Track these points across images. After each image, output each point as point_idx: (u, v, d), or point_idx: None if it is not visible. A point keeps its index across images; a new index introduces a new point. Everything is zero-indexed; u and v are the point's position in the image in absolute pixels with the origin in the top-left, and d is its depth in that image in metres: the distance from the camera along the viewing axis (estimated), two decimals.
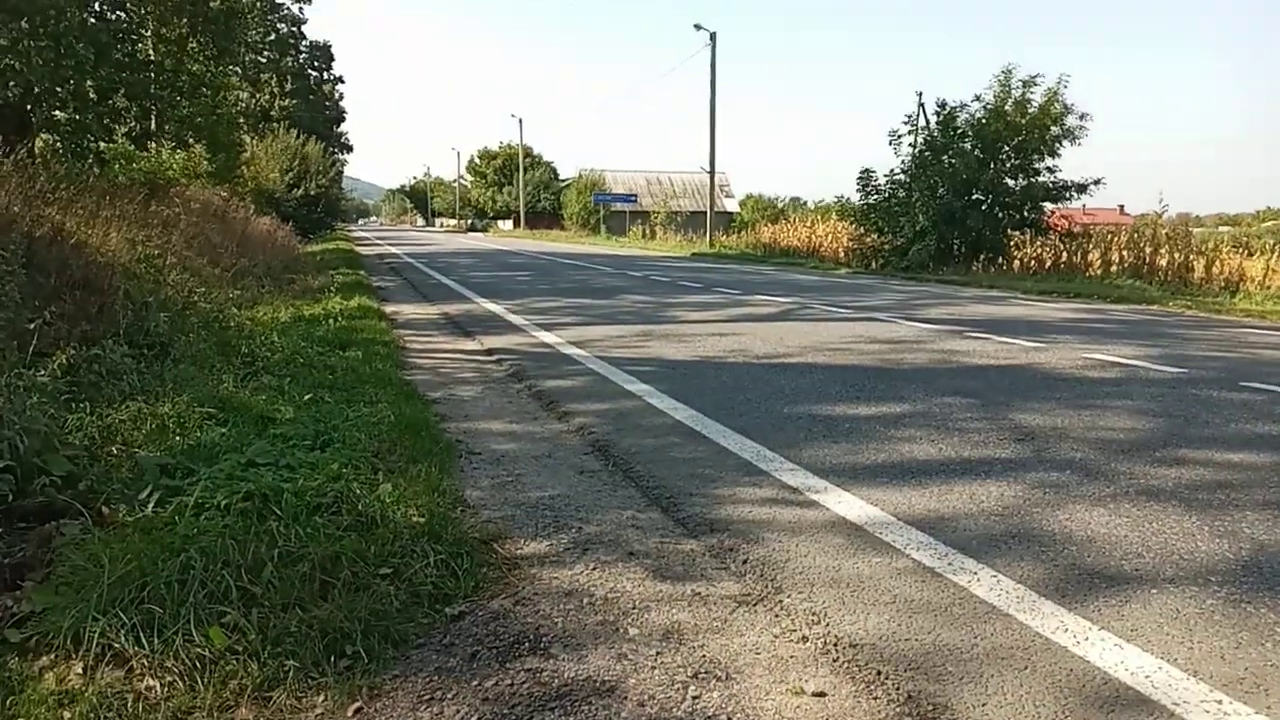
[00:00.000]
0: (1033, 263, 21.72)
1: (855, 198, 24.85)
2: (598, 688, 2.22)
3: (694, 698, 2.16)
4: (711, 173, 37.36)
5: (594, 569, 2.91)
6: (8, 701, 2.08)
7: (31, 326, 4.35)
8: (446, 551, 2.87)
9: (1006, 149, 21.23)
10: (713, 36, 35.07)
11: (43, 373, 4.11)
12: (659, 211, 50.24)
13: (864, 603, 2.64)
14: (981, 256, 21.36)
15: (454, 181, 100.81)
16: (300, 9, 45.79)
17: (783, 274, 20.43)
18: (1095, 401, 5.53)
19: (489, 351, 7.43)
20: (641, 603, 2.67)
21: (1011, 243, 21.90)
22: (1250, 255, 19.78)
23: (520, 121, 72.21)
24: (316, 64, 51.46)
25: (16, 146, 8.61)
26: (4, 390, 3.66)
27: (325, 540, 2.76)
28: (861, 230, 24.54)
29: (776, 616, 2.58)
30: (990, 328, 9.21)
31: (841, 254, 27.13)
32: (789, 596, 2.69)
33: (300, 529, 2.78)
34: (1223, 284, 17.76)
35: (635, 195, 60.49)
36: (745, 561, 2.94)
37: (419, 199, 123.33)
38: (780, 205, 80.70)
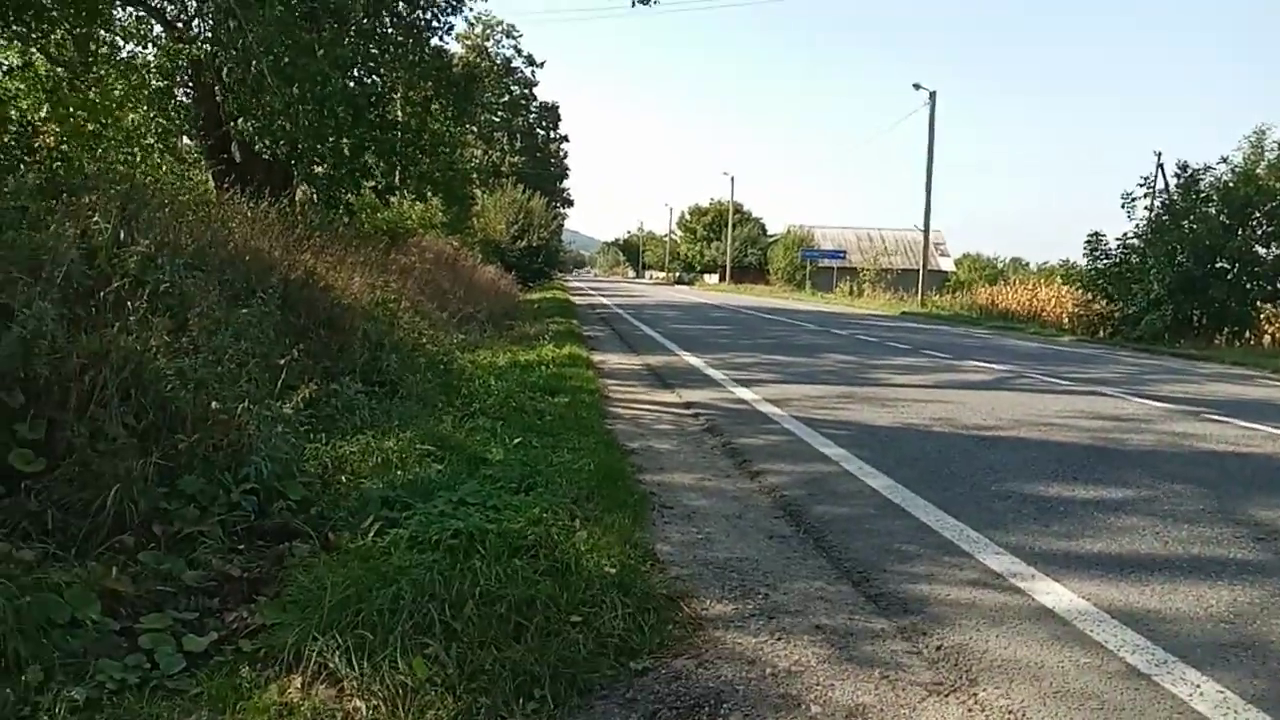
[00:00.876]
0: None
1: (1082, 261, 23.49)
2: None
3: None
4: (926, 230, 36.43)
5: (779, 638, 2.89)
6: (237, 705, 2.32)
7: (282, 362, 4.85)
8: (635, 605, 2.94)
9: (1258, 215, 19.44)
10: (932, 95, 34.45)
11: (288, 405, 4.57)
12: (868, 268, 49.35)
13: (1067, 705, 2.47)
14: (1225, 330, 19.56)
15: (665, 236, 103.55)
16: (533, 72, 49.13)
17: (999, 338, 19.49)
18: None
19: (686, 404, 7.55)
20: (826, 679, 2.63)
21: (1262, 315, 19.93)
22: None
23: (731, 179, 73.54)
24: (545, 123, 54.64)
25: (280, 197, 9.68)
26: (255, 419, 4.10)
27: (523, 583, 2.91)
28: (1089, 296, 23.09)
29: (969, 710, 2.46)
30: (1231, 410, 8.38)
31: (1065, 320, 25.57)
32: (984, 690, 2.56)
33: (501, 569, 2.94)
34: None
35: (844, 251, 59.67)
36: (939, 647, 2.83)
37: (631, 252, 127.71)
38: (1000, 266, 77.21)
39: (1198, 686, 2.60)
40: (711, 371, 10.07)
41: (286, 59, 9.67)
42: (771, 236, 77.79)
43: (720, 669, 2.69)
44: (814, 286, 53.41)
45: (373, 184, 13.45)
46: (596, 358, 11.05)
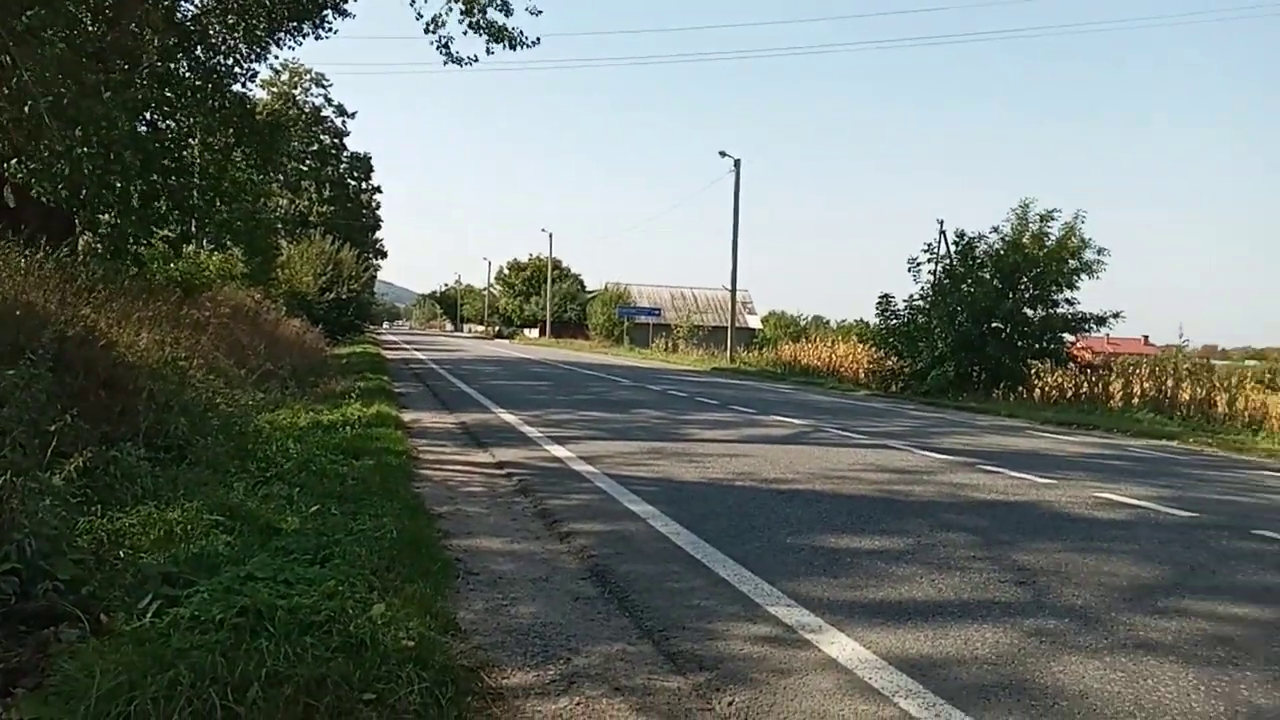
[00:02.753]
0: (1053, 392, 21.70)
1: (875, 320, 25.21)
2: None
3: None
4: (733, 291, 38.00)
5: (578, 704, 2.91)
6: None
7: (53, 428, 4.47)
8: (432, 679, 2.87)
9: (1025, 280, 21.54)
10: (737, 164, 36.22)
11: (59, 475, 4.21)
12: (681, 325, 50.82)
13: None
14: (1001, 384, 21.41)
15: (484, 290, 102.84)
16: (343, 122, 48.03)
17: (800, 393, 20.50)
18: (1101, 544, 5.48)
19: (499, 464, 7.50)
20: None
21: (1032, 371, 21.97)
22: (1275, 391, 19.67)
23: (550, 236, 74.26)
24: (356, 174, 53.37)
25: (60, 246, 8.95)
26: (19, 492, 3.75)
27: (313, 661, 2.78)
28: (882, 353, 24.72)
29: None
30: (1003, 461, 9.18)
31: (861, 375, 27.23)
32: None
33: (290, 648, 2.81)
34: (1246, 420, 17.63)
35: (659, 309, 61.33)
36: (730, 703, 2.93)
37: (449, 305, 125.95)
38: (803, 323, 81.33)
39: None
40: (527, 429, 10.05)
41: (67, 99, 9.02)
42: (590, 292, 78.83)
43: None
44: (631, 342, 54.44)
45: (165, 233, 12.68)
46: (407, 416, 10.79)
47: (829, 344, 33.25)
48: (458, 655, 3.17)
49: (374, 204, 57.25)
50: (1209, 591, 4.55)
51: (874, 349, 25.44)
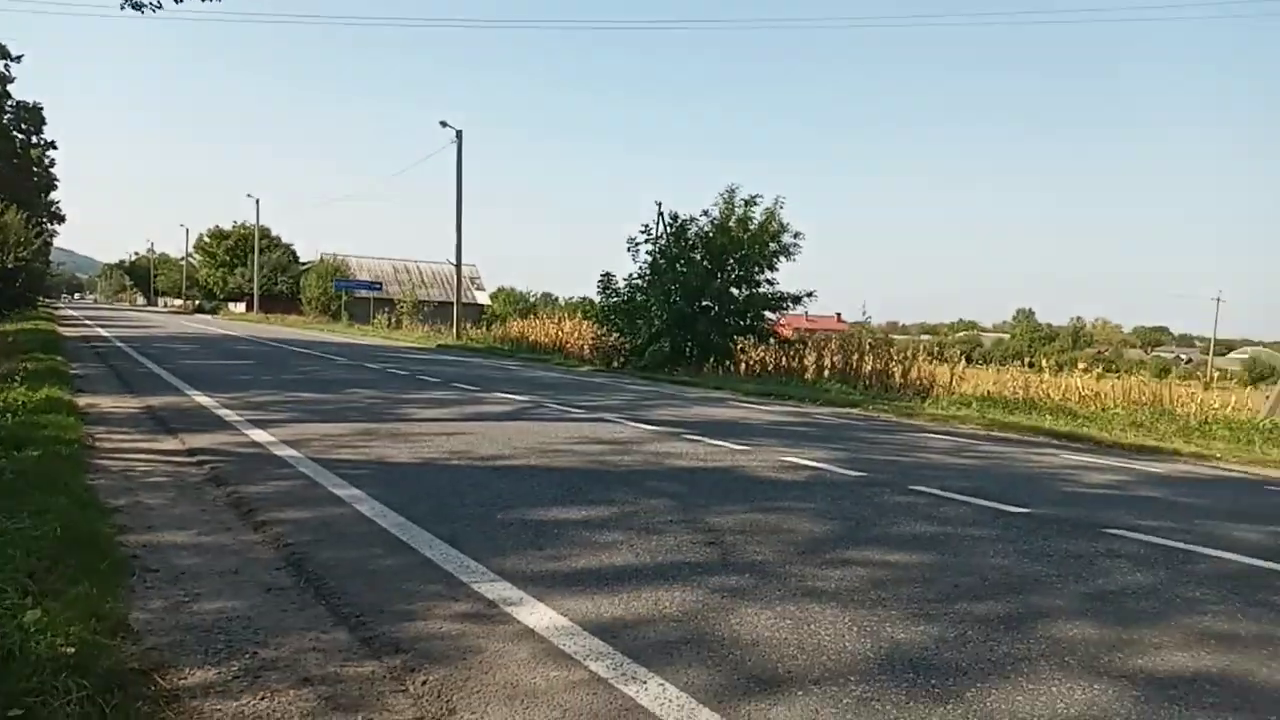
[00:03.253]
0: (756, 366, 23.46)
1: (598, 298, 25.88)
2: None
3: None
4: (458, 265, 37.48)
5: (262, 698, 2.79)
6: None
7: None
8: (94, 686, 2.64)
9: (731, 261, 22.99)
10: (459, 134, 35.72)
11: None
12: (405, 300, 49.45)
13: (534, 717, 2.71)
14: (711, 359, 22.81)
15: (181, 260, 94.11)
16: (7, 67, 41.98)
17: (526, 370, 20.68)
18: (783, 504, 6.03)
19: (190, 452, 6.94)
20: None
21: (738, 347, 23.57)
22: (943, 362, 22.44)
23: (257, 202, 69.05)
24: (24, 126, 46.87)
25: None
26: None
27: None
28: (604, 330, 25.45)
29: None
30: (705, 430, 9.80)
31: (586, 351, 27.90)
32: (461, 717, 2.70)
33: None
34: (917, 389, 20.00)
35: (380, 283, 59.24)
36: (425, 682, 2.93)
37: (140, 276, 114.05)
38: (532, 300, 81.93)
39: (645, 684, 2.99)
40: (225, 413, 9.37)
41: None
42: (304, 264, 74.56)
43: None
44: (351, 318, 52.19)
45: None
46: (84, 401, 9.69)
47: (555, 321, 33.71)
48: (128, 658, 2.93)
49: (47, 161, 50.59)
50: (869, 542, 5.14)
51: (598, 326, 26.13)
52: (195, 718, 2.66)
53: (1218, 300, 77.45)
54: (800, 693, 2.99)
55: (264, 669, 3.00)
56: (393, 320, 46.55)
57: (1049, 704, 3.01)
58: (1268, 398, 16.28)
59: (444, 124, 35.76)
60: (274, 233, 79.13)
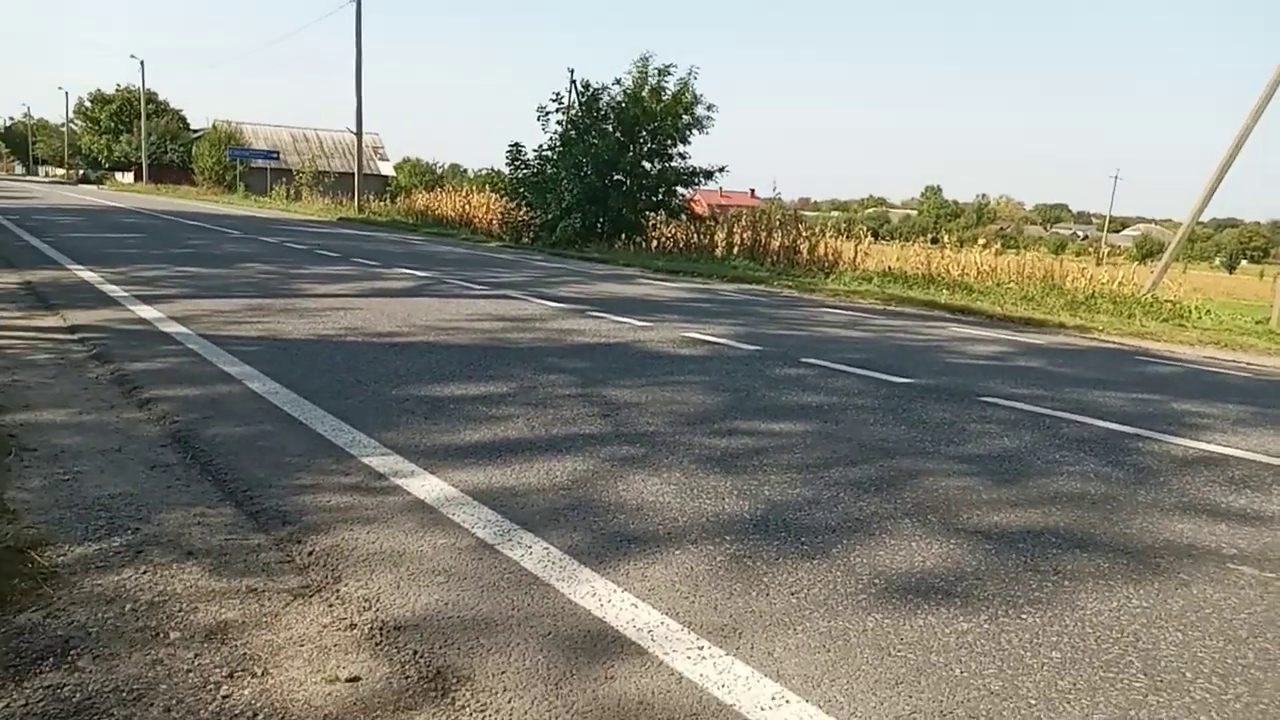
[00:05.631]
0: (668, 242, 23.44)
1: (506, 170, 25.28)
2: (124, 697, 2.17)
3: (224, 697, 2.18)
4: (359, 132, 36.03)
5: (145, 573, 2.80)
6: None
7: None
8: None
9: (644, 133, 22.63)
10: None
11: None
12: (305, 171, 47.46)
13: (418, 584, 2.80)
14: (623, 235, 22.67)
15: (61, 126, 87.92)
16: None
17: (431, 245, 20.27)
18: (679, 378, 6.17)
19: (72, 329, 6.68)
20: (190, 604, 2.62)
21: (650, 224, 23.45)
22: (850, 239, 22.80)
23: (142, 63, 64.27)
24: None
25: None
26: None
27: None
28: (514, 204, 24.98)
29: (330, 606, 2.66)
30: (610, 306, 9.86)
31: (495, 226, 27.42)
32: (347, 585, 2.77)
33: None
34: (823, 265, 20.35)
35: (278, 152, 56.57)
36: (311, 553, 2.98)
37: (17, 143, 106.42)
38: (439, 171, 79.53)
39: (530, 548, 3.10)
40: (110, 288, 8.99)
41: None
42: (196, 132, 70.57)
43: (74, 615, 2.53)
44: (247, 189, 49.98)
45: None
46: None
47: (464, 194, 32.90)
48: (3, 537, 2.90)
49: None
50: (756, 412, 5.33)
51: (507, 200, 25.63)
52: (75, 592, 2.66)
53: (1115, 179, 79.98)
54: (679, 552, 3.15)
55: (146, 544, 3.00)
56: (292, 192, 44.76)
57: (908, 558, 3.24)
58: (1152, 272, 17.10)
59: None
60: (161, 97, 74.38)
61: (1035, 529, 3.65)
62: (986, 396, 6.20)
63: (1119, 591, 3.09)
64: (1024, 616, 2.84)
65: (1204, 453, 5.15)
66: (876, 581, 3.02)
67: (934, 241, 24.76)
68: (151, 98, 69.49)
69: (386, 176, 63.55)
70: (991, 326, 11.44)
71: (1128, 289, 16.58)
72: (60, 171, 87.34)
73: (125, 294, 8.59)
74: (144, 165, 62.67)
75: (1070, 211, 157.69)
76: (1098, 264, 22.34)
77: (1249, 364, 9.88)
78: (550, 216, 23.05)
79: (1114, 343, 10.83)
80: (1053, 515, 3.84)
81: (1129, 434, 5.47)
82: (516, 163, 24.11)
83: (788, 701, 2.26)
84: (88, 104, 78.06)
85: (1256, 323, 13.96)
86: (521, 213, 24.70)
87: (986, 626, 2.75)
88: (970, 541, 3.44)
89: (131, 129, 70.27)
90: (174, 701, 2.16)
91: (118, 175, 72.26)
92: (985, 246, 21.60)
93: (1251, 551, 3.57)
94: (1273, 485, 4.56)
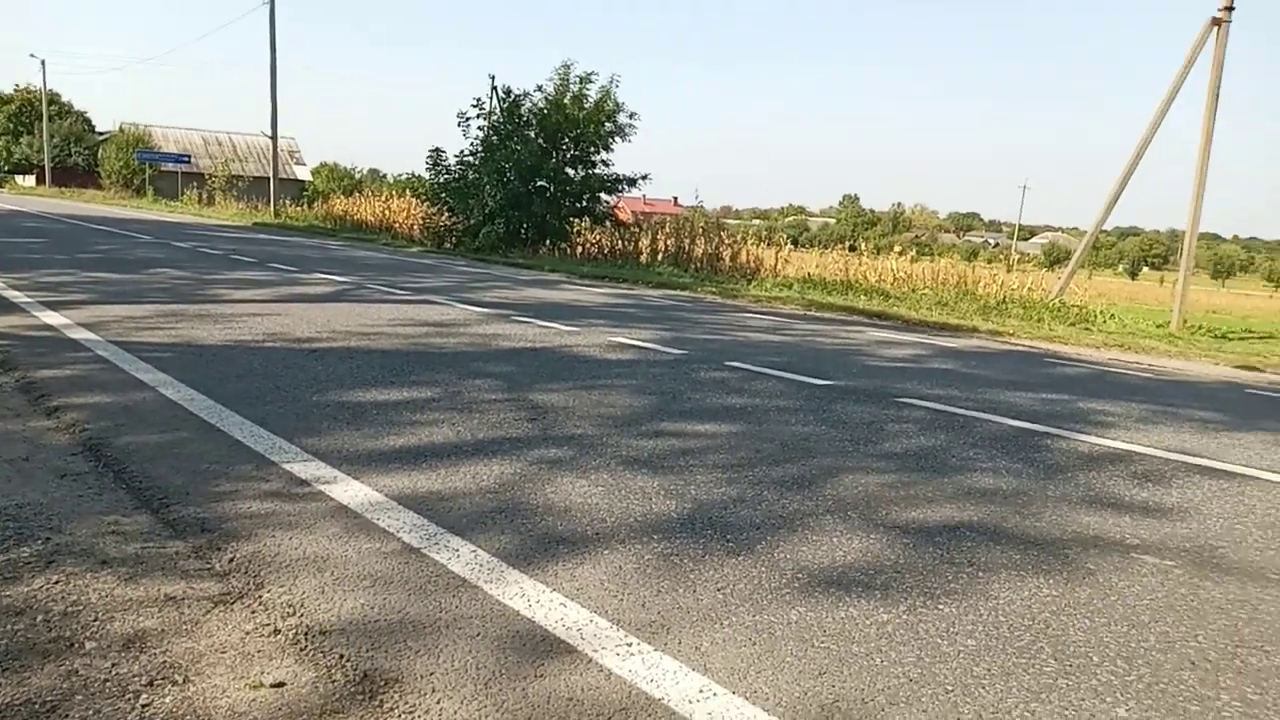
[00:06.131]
0: (593, 249, 23.50)
1: (427, 175, 25.00)
2: (36, 710, 2.10)
3: (144, 705, 2.13)
4: (275, 136, 35.24)
5: (56, 583, 2.71)
6: None
7: None
8: None
9: (567, 140, 22.64)
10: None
11: None
12: (218, 175, 46.14)
13: (344, 589, 2.77)
14: (547, 241, 22.63)
15: None
16: None
17: (350, 250, 19.93)
18: (606, 382, 6.21)
19: None
20: (106, 614, 2.55)
21: (575, 230, 23.46)
22: (771, 246, 23.15)
23: (43, 63, 61.53)
24: None
25: None
26: None
27: None
28: (435, 209, 24.72)
29: (253, 612, 2.61)
30: (536, 312, 9.85)
31: (416, 232, 27.10)
32: (269, 591, 2.73)
33: None
34: (745, 272, 20.64)
35: (189, 155, 54.80)
36: (232, 560, 2.92)
37: None
38: (357, 176, 78.17)
39: (457, 551, 3.09)
40: (12, 294, 8.62)
41: None
42: (102, 134, 68.08)
43: None
44: (157, 193, 48.40)
45: None
46: None
47: (384, 199, 32.44)
48: None
49: None
50: (682, 415, 5.40)
51: (428, 205, 25.34)
52: None
53: (1023, 189, 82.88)
54: (607, 552, 3.18)
55: (58, 553, 2.91)
56: (205, 196, 43.47)
57: (829, 553, 3.33)
58: (1059, 279, 17.78)
59: None
60: (64, 99, 71.56)
61: (951, 523, 3.78)
62: (903, 397, 6.38)
63: (1030, 581, 3.23)
64: (941, 607, 2.94)
65: (1109, 449, 5.39)
66: (800, 576, 3.09)
67: (852, 249, 25.33)
68: (54, 99, 66.85)
69: (303, 181, 62.15)
70: (908, 331, 11.77)
71: (1037, 294, 17.22)
72: None
73: (29, 299, 8.25)
74: (47, 168, 60.09)
75: (982, 220, 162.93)
76: (1008, 270, 23.14)
77: (1150, 365, 10.37)
78: (473, 222, 22.88)
79: (1025, 346, 11.24)
80: (967, 510, 3.99)
81: (1039, 432, 5.69)
82: (438, 168, 23.86)
83: (715, 694, 2.31)
84: None
85: (1157, 326, 14.68)
86: (444, 218, 24.45)
87: (905, 617, 2.84)
88: (889, 536, 3.55)
89: (32, 130, 67.46)
90: (91, 712, 2.10)
91: (17, 178, 69.20)
92: (901, 254, 22.18)
93: (1153, 541, 3.76)
94: (1173, 479, 4.81)
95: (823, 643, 2.63)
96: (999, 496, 4.25)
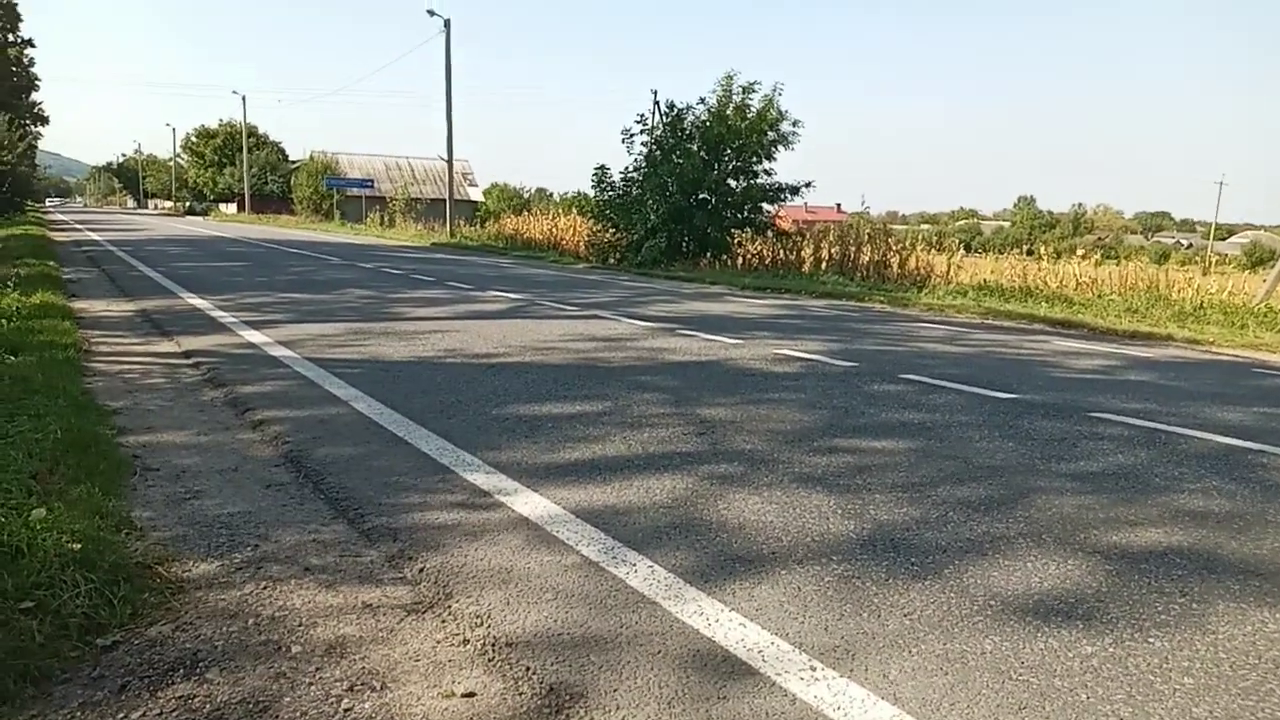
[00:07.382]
0: (754, 260, 23.30)
1: (592, 193, 25.54)
2: (251, 709, 2.24)
3: (346, 710, 2.23)
4: (450, 160, 36.92)
5: (265, 588, 2.89)
6: None
7: None
8: (101, 579, 2.74)
9: (729, 151, 22.58)
10: (447, 23, 34.67)
11: None
12: (398, 198, 48.84)
13: (527, 601, 2.82)
14: (709, 253, 22.63)
15: (169, 160, 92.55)
16: None
17: (521, 268, 20.60)
18: (774, 395, 6.11)
19: (187, 354, 6.99)
20: (309, 619, 2.69)
21: (736, 241, 23.36)
22: (941, 252, 22.30)
23: (244, 99, 67.16)
24: (1, 23, 45.46)
25: None
26: None
27: None
28: (600, 226, 25.20)
29: (443, 622, 2.70)
30: (700, 325, 9.85)
31: (582, 248, 27.70)
32: (458, 601, 2.81)
33: None
34: (914, 279, 19.94)
35: (372, 180, 58.35)
36: (422, 569, 3.04)
37: (129, 178, 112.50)
38: (526, 195, 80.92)
39: (634, 566, 3.10)
40: (219, 314, 9.39)
41: None
42: (294, 163, 73.43)
43: (200, 629, 2.63)
44: (343, 217, 51.72)
45: None
46: (78, 305, 9.71)
47: (551, 217, 33.39)
48: (132, 553, 3.03)
49: (26, 60, 49.21)
50: (856, 430, 5.24)
51: (593, 222, 25.86)
52: (200, 606, 2.77)
53: (1220, 184, 76.43)
54: (784, 572, 3.11)
55: (265, 560, 3.10)
56: (386, 219, 46.09)
57: (1024, 579, 3.13)
58: (1264, 281, 16.27)
59: (431, 13, 34.65)
60: (261, 130, 77.73)
61: (1158, 549, 3.48)
62: (1096, 412, 5.97)
63: (1253, 614, 2.92)
64: (1151, 640, 2.71)
65: None
66: (992, 603, 2.92)
67: (1029, 253, 24.03)
68: (252, 131, 72.65)
69: (476, 202, 64.92)
70: (1095, 339, 11.04)
71: (1239, 299, 15.80)
72: (168, 204, 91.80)
73: (234, 320, 8.95)
74: (246, 196, 65.42)
75: (1173, 219, 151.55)
76: (1204, 273, 21.34)
77: None
78: (636, 237, 23.15)
79: (1228, 355, 10.32)
80: (1176, 534, 3.67)
81: (1254, 450, 5.19)
82: (602, 185, 24.31)
83: None
84: (193, 139, 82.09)
85: None
86: (608, 234, 24.89)
87: (1112, 650, 2.63)
88: (1090, 562, 3.31)
89: (234, 161, 73.60)
90: (298, 714, 2.22)
91: (221, 206, 75.64)
92: (1084, 257, 20.86)
93: None
94: None
95: (1021, 675, 2.47)
96: (1212, 520, 3.88)
